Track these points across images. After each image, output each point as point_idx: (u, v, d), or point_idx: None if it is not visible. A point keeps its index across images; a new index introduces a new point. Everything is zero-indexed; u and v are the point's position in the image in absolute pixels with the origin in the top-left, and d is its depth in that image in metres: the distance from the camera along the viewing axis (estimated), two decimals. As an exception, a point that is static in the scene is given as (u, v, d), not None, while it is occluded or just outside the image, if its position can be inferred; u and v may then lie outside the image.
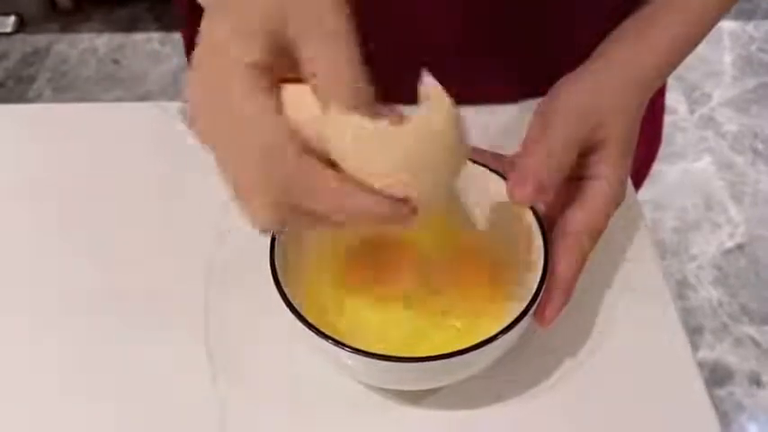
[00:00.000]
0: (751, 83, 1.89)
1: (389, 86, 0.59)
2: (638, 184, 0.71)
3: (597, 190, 0.43)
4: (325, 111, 0.34)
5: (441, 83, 0.37)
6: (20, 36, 2.12)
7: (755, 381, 1.36)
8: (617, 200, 0.44)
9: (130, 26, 2.13)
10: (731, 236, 1.58)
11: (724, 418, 1.31)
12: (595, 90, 0.44)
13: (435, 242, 0.47)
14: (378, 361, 0.37)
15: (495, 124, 0.58)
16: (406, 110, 0.37)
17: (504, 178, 0.43)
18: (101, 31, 2.12)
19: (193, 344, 0.46)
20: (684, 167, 1.70)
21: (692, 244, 1.57)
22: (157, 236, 0.52)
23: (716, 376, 1.36)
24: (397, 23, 0.56)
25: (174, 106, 0.61)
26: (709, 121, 1.80)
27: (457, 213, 0.48)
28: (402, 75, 0.59)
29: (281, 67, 0.35)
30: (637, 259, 0.50)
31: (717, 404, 1.32)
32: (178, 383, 0.45)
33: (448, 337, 0.43)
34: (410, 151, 0.34)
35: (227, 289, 0.49)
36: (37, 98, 1.94)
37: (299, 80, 0.35)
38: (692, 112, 1.82)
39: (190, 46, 0.69)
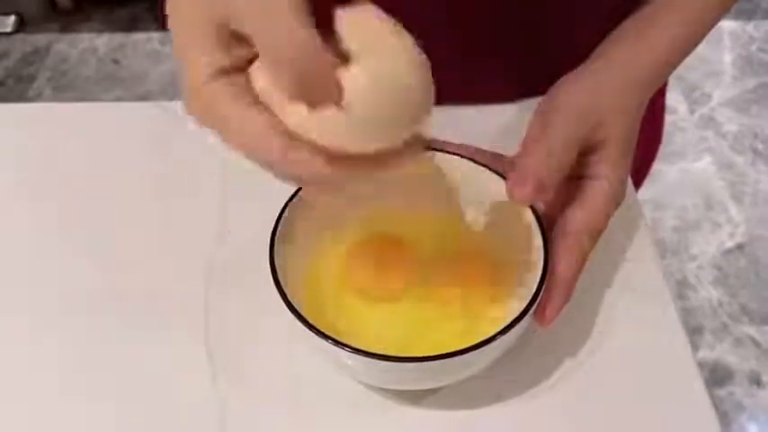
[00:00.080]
0: (751, 83, 1.89)
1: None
2: (638, 184, 0.71)
3: (597, 189, 0.43)
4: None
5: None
6: (20, 36, 2.12)
7: (755, 381, 1.36)
8: (617, 199, 0.44)
9: (130, 26, 2.13)
10: (731, 236, 1.58)
11: (724, 418, 1.31)
12: (595, 90, 0.44)
13: (435, 242, 0.47)
14: (377, 361, 0.37)
15: (495, 124, 0.58)
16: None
17: (504, 178, 0.43)
18: (101, 30, 2.13)
19: (193, 344, 0.46)
20: (684, 167, 1.70)
21: (692, 244, 1.57)
22: (157, 236, 0.52)
23: (716, 376, 1.36)
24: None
25: (175, 106, 0.61)
26: (709, 121, 1.80)
27: (457, 213, 0.48)
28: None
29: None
30: (637, 259, 0.50)
31: (717, 404, 1.32)
32: (178, 383, 0.45)
33: (448, 338, 0.43)
34: (359, 108, 0.31)
35: (227, 289, 0.49)
36: (37, 97, 1.94)
37: None
38: (692, 111, 1.82)
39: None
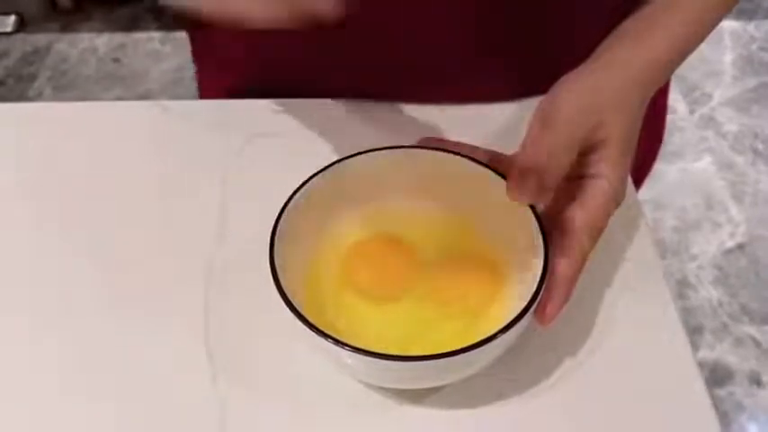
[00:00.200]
0: (751, 82, 1.89)
1: (391, 84, 0.60)
2: (638, 184, 0.71)
3: (597, 189, 0.43)
4: None
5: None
6: (20, 35, 2.12)
7: (755, 381, 1.36)
8: (617, 199, 0.44)
9: (131, 25, 2.14)
10: (731, 236, 1.58)
11: (724, 418, 1.31)
12: (596, 89, 0.44)
13: (435, 242, 0.47)
14: (378, 360, 0.37)
15: (496, 124, 0.58)
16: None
17: (504, 178, 0.43)
18: (101, 30, 2.13)
19: (193, 344, 0.46)
20: (685, 167, 1.70)
21: (693, 244, 1.57)
22: (157, 236, 0.52)
23: (716, 376, 1.36)
24: (398, 24, 0.56)
25: (175, 105, 0.61)
26: (709, 121, 1.80)
27: (457, 213, 0.48)
28: (403, 74, 0.59)
29: None
30: (637, 259, 0.50)
31: (717, 404, 1.32)
32: (178, 383, 0.45)
33: (448, 337, 0.43)
34: None
35: (227, 289, 0.49)
36: (37, 97, 1.94)
37: None
38: (692, 111, 1.82)
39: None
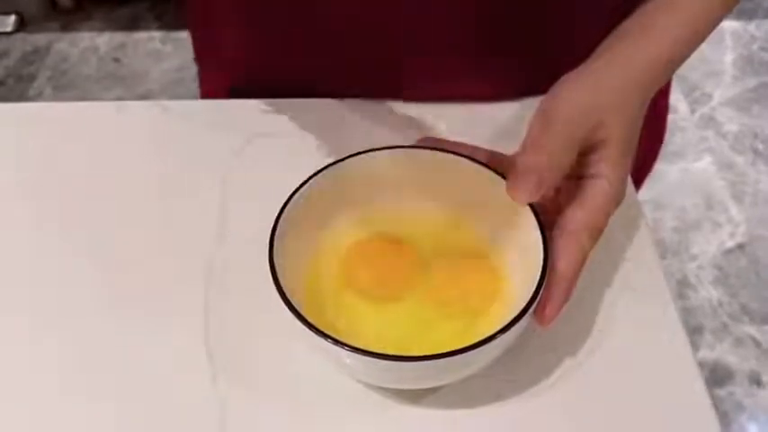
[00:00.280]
0: (752, 82, 1.89)
1: (391, 84, 0.60)
2: (638, 184, 0.71)
3: (597, 189, 0.43)
4: None
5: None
6: (20, 35, 2.12)
7: (755, 381, 1.36)
8: (617, 199, 0.44)
9: (131, 25, 2.14)
10: (732, 235, 1.58)
11: (724, 418, 1.31)
12: (596, 89, 0.44)
13: (435, 242, 0.47)
14: (377, 360, 0.37)
15: (496, 123, 0.58)
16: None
17: (504, 178, 0.43)
18: (101, 29, 2.13)
19: (193, 344, 0.46)
20: (685, 167, 1.70)
21: (693, 243, 1.57)
22: (157, 236, 0.52)
23: (716, 376, 1.36)
24: (398, 23, 0.56)
25: (175, 105, 0.61)
26: (709, 121, 1.80)
27: (457, 213, 0.48)
28: (403, 73, 0.59)
29: None
30: (637, 259, 0.50)
31: (717, 404, 1.32)
32: (178, 383, 0.45)
33: (448, 337, 0.43)
34: None
35: (227, 289, 0.49)
36: (37, 97, 1.94)
37: None
38: (692, 111, 1.82)
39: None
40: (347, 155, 0.46)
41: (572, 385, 0.44)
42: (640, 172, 0.74)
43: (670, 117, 0.75)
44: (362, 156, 0.46)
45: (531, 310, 0.39)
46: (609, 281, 0.48)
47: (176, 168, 0.56)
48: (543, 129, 0.43)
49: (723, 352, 1.40)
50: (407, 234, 0.48)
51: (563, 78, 0.46)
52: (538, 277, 0.40)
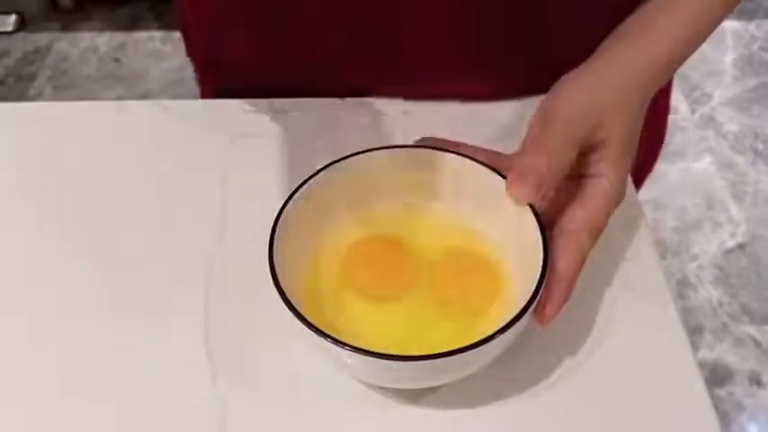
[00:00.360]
0: (752, 82, 1.89)
1: (391, 84, 0.60)
2: (639, 184, 0.71)
3: (598, 189, 0.43)
4: None
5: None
6: (21, 35, 2.12)
7: (755, 381, 1.36)
8: (617, 199, 0.44)
9: (131, 25, 2.14)
10: (732, 235, 1.58)
11: (724, 418, 1.31)
12: (596, 89, 0.44)
13: (435, 242, 0.47)
14: (377, 359, 0.37)
15: (496, 123, 0.58)
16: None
17: (504, 178, 0.43)
18: (101, 29, 2.13)
19: (193, 344, 0.46)
20: (685, 167, 1.70)
21: (693, 243, 1.57)
22: (157, 236, 0.52)
23: (716, 376, 1.36)
24: (398, 23, 0.56)
25: (175, 105, 0.61)
26: (709, 121, 1.80)
27: (457, 213, 0.48)
28: (402, 73, 0.59)
29: None
30: (637, 259, 0.50)
31: (717, 404, 1.32)
32: (178, 383, 0.45)
33: (448, 337, 0.43)
34: None
35: (227, 289, 0.49)
36: (37, 96, 1.94)
37: None
38: (692, 111, 1.82)
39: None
40: (347, 155, 0.46)
41: (572, 385, 0.44)
42: (641, 172, 0.74)
43: (670, 117, 0.75)
44: (362, 156, 0.46)
45: (530, 309, 0.39)
46: (609, 281, 0.48)
47: (176, 168, 0.56)
48: (543, 128, 0.43)
49: (723, 352, 1.40)
50: (407, 234, 0.48)
51: (563, 78, 0.46)
52: (538, 277, 0.40)
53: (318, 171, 0.45)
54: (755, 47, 1.98)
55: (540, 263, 0.40)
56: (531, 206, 0.43)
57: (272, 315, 0.40)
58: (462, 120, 0.58)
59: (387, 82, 0.59)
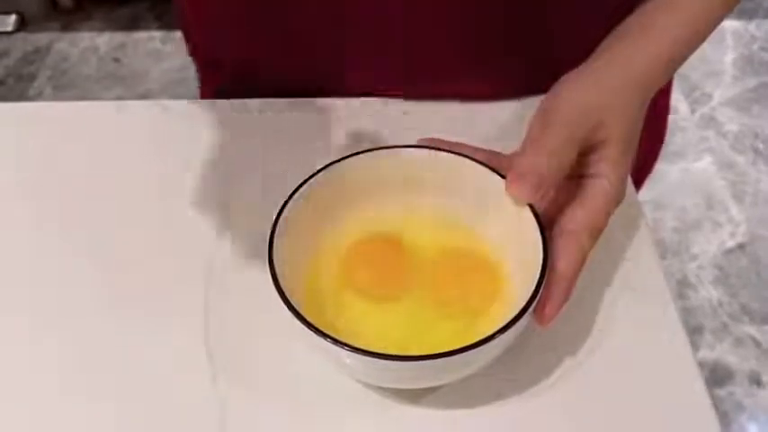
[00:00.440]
0: (752, 82, 1.89)
1: (391, 84, 0.60)
2: (639, 184, 0.71)
3: (598, 189, 0.43)
4: None
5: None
6: (21, 35, 2.12)
7: (755, 381, 1.36)
8: (617, 199, 0.44)
9: (131, 25, 2.14)
10: (732, 235, 1.58)
11: (724, 418, 1.31)
12: (596, 89, 0.44)
13: (435, 242, 0.47)
14: (377, 360, 0.37)
15: (496, 123, 0.58)
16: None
17: (504, 178, 0.43)
18: (102, 29, 2.13)
19: (193, 344, 0.46)
20: (685, 167, 1.70)
21: (693, 243, 1.57)
22: (157, 236, 0.52)
23: (716, 376, 1.36)
24: (398, 23, 0.56)
25: (175, 105, 0.61)
26: (709, 121, 1.80)
27: (457, 213, 0.48)
28: (402, 73, 0.59)
29: None
30: (637, 259, 0.50)
31: (717, 404, 1.32)
32: (178, 383, 0.45)
33: (447, 337, 0.43)
34: None
35: (227, 289, 0.49)
36: (37, 96, 1.94)
37: None
38: (692, 111, 1.82)
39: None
40: (347, 155, 0.46)
41: (572, 385, 0.44)
42: (641, 172, 0.74)
43: (670, 117, 0.75)
44: (362, 156, 0.46)
45: (530, 309, 0.39)
46: (609, 281, 0.48)
47: (176, 168, 0.56)
48: (543, 128, 0.43)
49: (723, 352, 1.40)
50: (407, 234, 0.48)
51: (563, 78, 0.46)
52: (537, 277, 0.40)
53: (318, 171, 0.45)
54: (755, 47, 1.98)
55: (540, 263, 0.40)
56: (531, 206, 0.43)
57: (272, 315, 0.40)
58: (462, 120, 0.58)
59: (387, 82, 0.59)
